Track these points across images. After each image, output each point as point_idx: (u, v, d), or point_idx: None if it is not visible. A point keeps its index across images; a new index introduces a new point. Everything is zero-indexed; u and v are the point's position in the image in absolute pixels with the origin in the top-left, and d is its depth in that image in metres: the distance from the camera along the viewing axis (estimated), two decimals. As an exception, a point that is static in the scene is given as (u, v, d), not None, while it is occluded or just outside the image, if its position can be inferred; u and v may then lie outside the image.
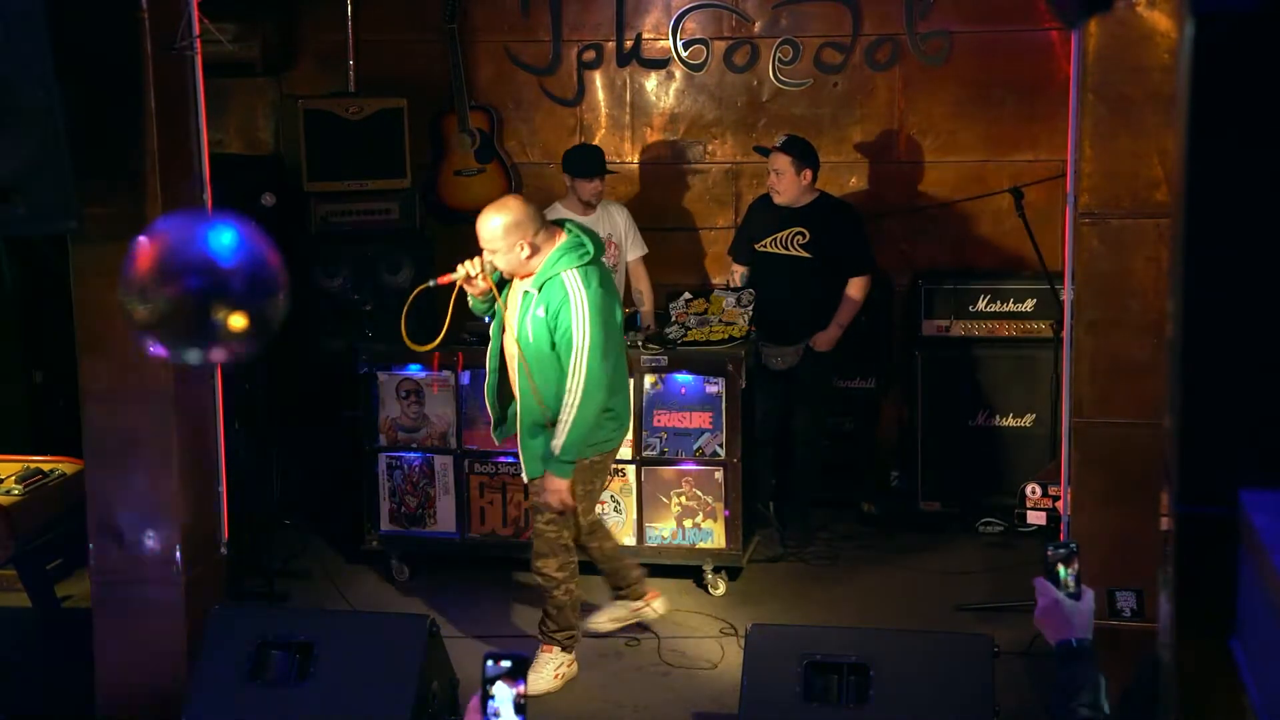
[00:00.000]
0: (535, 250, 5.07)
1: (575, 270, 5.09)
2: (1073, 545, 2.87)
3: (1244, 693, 1.64)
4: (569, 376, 5.06)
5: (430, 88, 7.49)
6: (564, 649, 5.44)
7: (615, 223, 6.88)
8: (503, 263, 5.09)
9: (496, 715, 2.36)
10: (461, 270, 5.11)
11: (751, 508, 6.41)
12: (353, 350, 6.48)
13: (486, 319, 5.39)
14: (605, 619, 5.73)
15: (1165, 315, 2.29)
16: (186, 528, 5.10)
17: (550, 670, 5.40)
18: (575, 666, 5.49)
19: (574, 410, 5.06)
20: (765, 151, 6.77)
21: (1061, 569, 2.84)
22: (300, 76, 7.72)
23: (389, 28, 7.63)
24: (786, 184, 6.59)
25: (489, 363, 5.35)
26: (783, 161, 6.57)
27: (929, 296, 7.07)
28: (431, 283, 5.21)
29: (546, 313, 5.08)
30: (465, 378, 6.27)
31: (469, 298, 5.22)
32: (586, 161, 6.71)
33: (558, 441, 5.10)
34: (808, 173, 6.59)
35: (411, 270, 7.04)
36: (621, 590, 5.73)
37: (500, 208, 5.11)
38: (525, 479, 5.40)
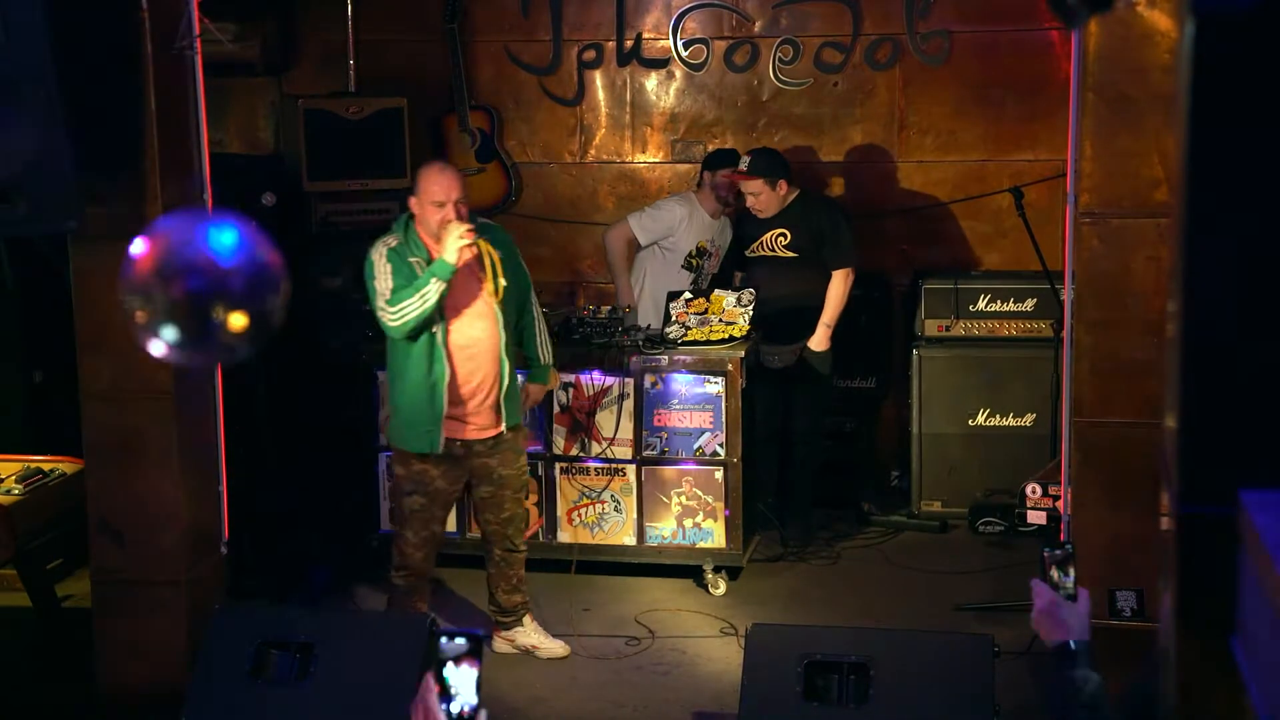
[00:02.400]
0: None
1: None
2: (1069, 547, 2.88)
3: (1244, 693, 1.64)
4: (532, 293, 5.44)
5: (430, 88, 7.49)
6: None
7: (726, 237, 7.00)
8: (465, 211, 5.07)
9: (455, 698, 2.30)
10: (460, 227, 4.97)
11: (751, 508, 6.41)
12: (353, 350, 6.47)
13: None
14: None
15: (1165, 315, 2.30)
16: (186, 528, 5.10)
17: (543, 629, 5.65)
18: None
19: (545, 320, 5.54)
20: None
21: (1057, 571, 2.84)
22: (300, 76, 7.72)
23: (389, 28, 7.63)
24: (765, 202, 6.59)
25: (438, 366, 5.10)
26: (755, 184, 6.56)
27: (929, 296, 7.07)
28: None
29: (505, 251, 5.23)
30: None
31: (440, 274, 4.97)
32: None
33: (545, 350, 5.50)
34: (782, 183, 6.58)
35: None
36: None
37: (442, 161, 5.23)
38: (506, 428, 5.30)
